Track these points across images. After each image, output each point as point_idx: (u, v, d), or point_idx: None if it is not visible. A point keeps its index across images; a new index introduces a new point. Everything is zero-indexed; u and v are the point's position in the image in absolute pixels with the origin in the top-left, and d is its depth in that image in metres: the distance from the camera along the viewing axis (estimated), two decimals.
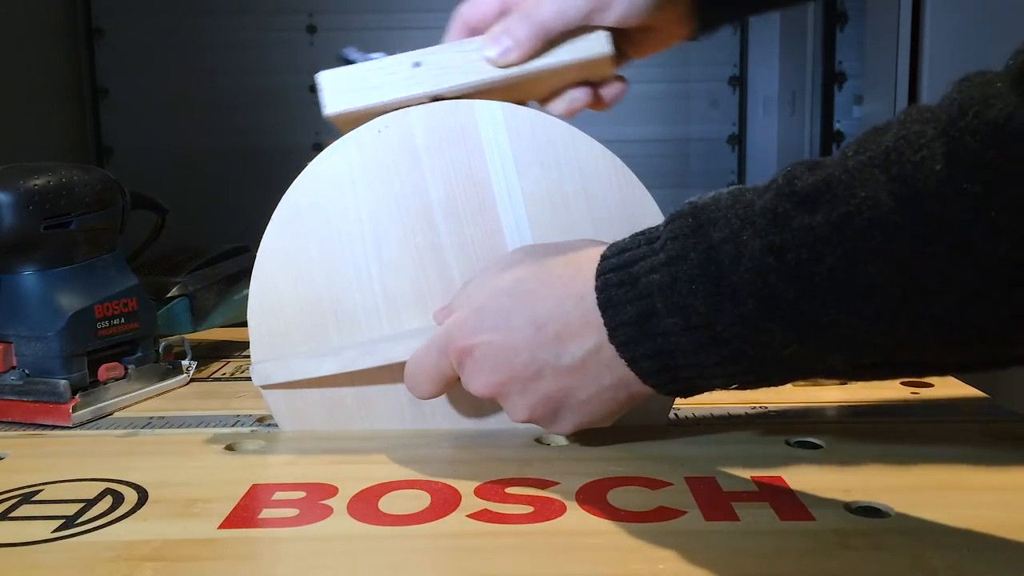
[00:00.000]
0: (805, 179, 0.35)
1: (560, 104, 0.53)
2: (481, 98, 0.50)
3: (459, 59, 0.49)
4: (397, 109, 0.50)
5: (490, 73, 0.49)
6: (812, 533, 0.37)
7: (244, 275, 0.81)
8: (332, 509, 0.40)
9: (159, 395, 0.61)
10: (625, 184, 0.49)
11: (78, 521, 0.40)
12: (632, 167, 0.50)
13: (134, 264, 0.70)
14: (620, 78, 0.54)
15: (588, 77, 0.53)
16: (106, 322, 0.57)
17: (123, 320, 0.59)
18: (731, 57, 2.66)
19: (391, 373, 0.49)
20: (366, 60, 0.50)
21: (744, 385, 0.40)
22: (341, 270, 0.50)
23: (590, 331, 0.41)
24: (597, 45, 0.49)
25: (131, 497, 0.42)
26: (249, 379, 0.52)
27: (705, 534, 0.37)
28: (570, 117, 0.53)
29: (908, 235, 0.32)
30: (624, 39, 0.52)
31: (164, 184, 1.19)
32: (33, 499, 0.43)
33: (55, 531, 0.39)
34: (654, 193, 0.50)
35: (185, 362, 0.64)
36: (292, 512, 0.40)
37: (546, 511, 0.40)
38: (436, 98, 0.50)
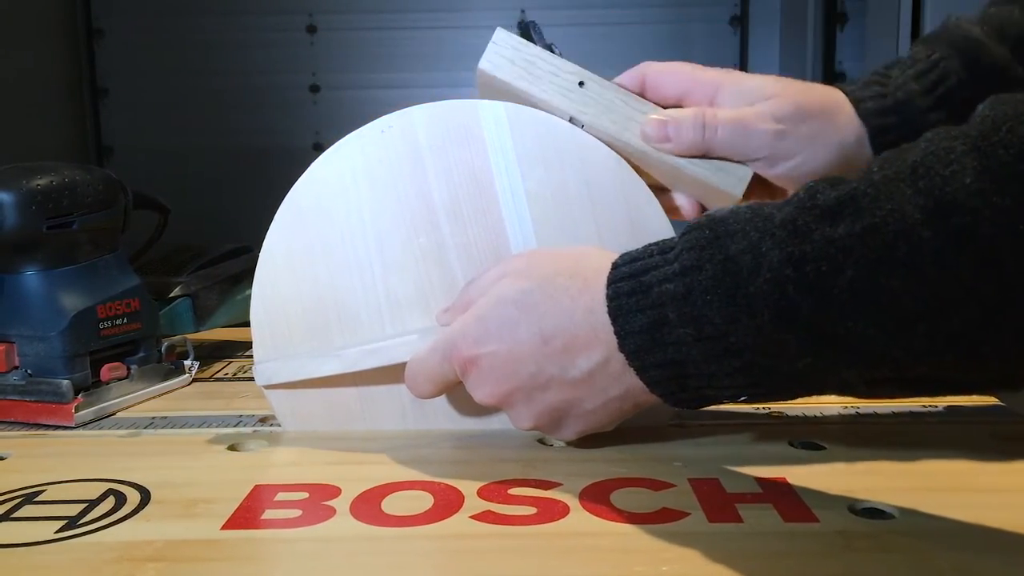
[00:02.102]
0: (827, 194, 0.35)
1: (668, 202, 0.52)
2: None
3: (619, 107, 0.49)
4: (533, 106, 0.49)
5: (634, 141, 0.49)
6: (816, 535, 0.37)
7: (246, 275, 0.81)
8: (335, 510, 0.40)
9: (161, 395, 0.61)
10: (628, 184, 0.49)
11: (81, 522, 0.40)
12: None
13: (136, 264, 0.70)
14: None
15: (707, 196, 0.52)
16: (108, 322, 0.57)
17: (125, 320, 0.59)
18: (731, 57, 2.66)
19: (394, 374, 0.49)
20: (544, 44, 0.50)
21: (753, 398, 0.40)
22: (344, 270, 0.50)
23: (598, 344, 0.41)
24: (735, 183, 0.49)
25: (133, 497, 0.42)
26: (251, 379, 0.52)
27: (708, 535, 0.37)
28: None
29: (933, 248, 0.32)
30: (763, 186, 0.51)
31: (165, 184, 1.18)
32: (36, 499, 0.42)
33: (58, 532, 0.39)
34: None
35: (187, 362, 0.64)
36: (295, 513, 0.40)
37: (549, 512, 0.40)
38: (573, 120, 0.49)
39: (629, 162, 0.49)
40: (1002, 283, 0.31)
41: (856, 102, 0.49)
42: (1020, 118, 0.31)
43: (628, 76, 0.51)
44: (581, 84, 0.49)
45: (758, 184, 0.50)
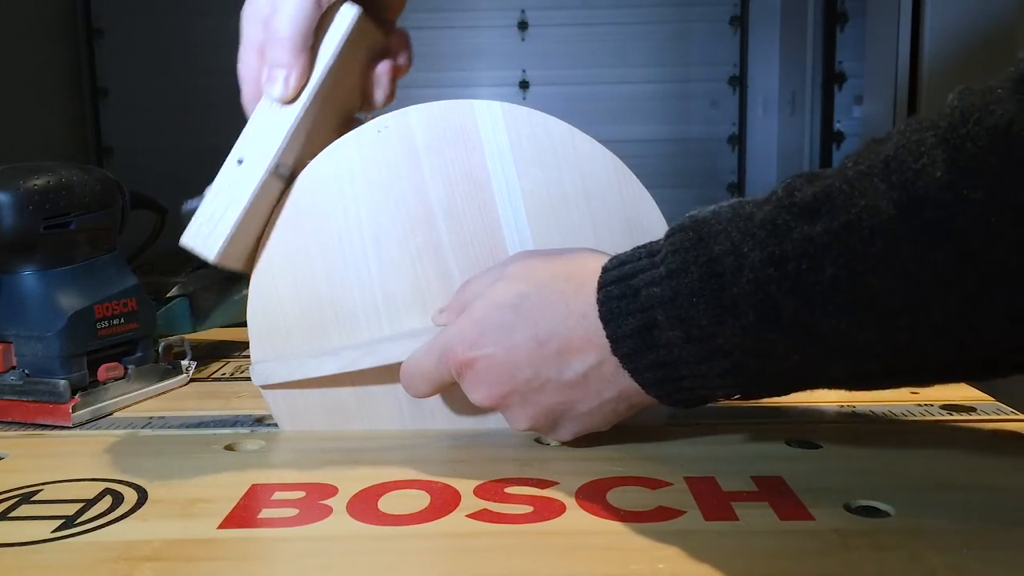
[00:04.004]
0: (805, 191, 0.35)
1: (379, 92, 0.54)
2: (310, 137, 0.49)
3: (263, 125, 0.48)
4: (256, 212, 0.49)
5: (297, 111, 0.48)
6: (812, 533, 0.37)
7: (244, 275, 0.81)
8: (332, 509, 0.40)
9: (159, 395, 0.61)
10: (625, 184, 0.49)
11: (78, 521, 0.40)
12: (632, 167, 0.50)
13: (134, 264, 0.70)
14: (399, 32, 0.55)
15: (374, 52, 0.53)
16: (106, 322, 0.57)
17: (123, 320, 0.59)
18: (731, 57, 2.67)
19: (391, 373, 0.49)
20: (203, 199, 0.49)
21: (747, 396, 0.40)
22: (341, 270, 0.50)
23: (592, 348, 0.42)
24: (345, 15, 0.49)
25: (131, 497, 0.42)
26: (249, 379, 0.52)
27: (705, 534, 0.37)
28: (391, 95, 0.54)
29: (909, 243, 0.32)
30: (371, 5, 0.51)
31: (164, 184, 1.18)
32: (33, 499, 0.42)
33: (55, 531, 0.39)
34: (654, 193, 0.50)
35: (185, 362, 0.64)
36: (292, 512, 0.40)
37: (546, 511, 0.40)
38: (279, 171, 0.49)
39: (332, 119, 0.50)
40: (981, 275, 0.31)
41: None
42: (988, 109, 0.30)
43: (246, 97, 0.51)
44: (240, 161, 0.48)
45: (377, 8, 0.51)
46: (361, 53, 0.52)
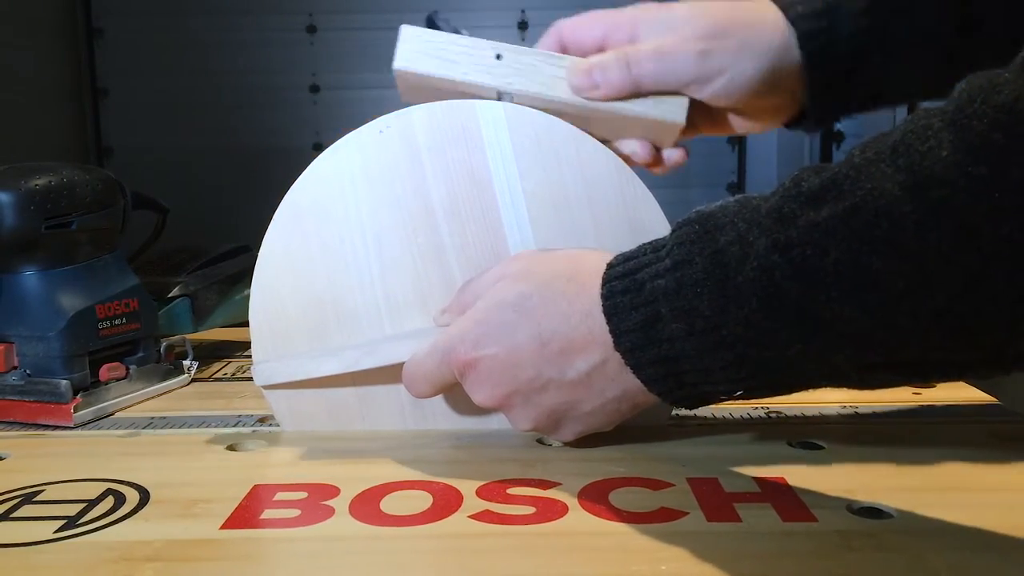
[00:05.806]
0: (812, 180, 0.35)
1: (619, 151, 0.52)
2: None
3: (542, 68, 0.49)
4: (459, 92, 0.49)
5: (564, 96, 0.49)
6: (814, 534, 0.37)
7: (245, 275, 0.81)
8: (334, 510, 0.40)
9: (160, 395, 0.61)
10: (627, 185, 0.49)
11: (80, 521, 0.40)
12: (632, 167, 0.50)
13: (135, 264, 0.70)
14: (683, 148, 0.53)
15: (653, 136, 0.52)
16: (107, 322, 0.57)
17: (124, 320, 0.59)
18: None
19: (393, 373, 0.49)
20: (450, 29, 0.49)
21: (749, 392, 0.40)
22: (342, 270, 0.50)
23: (595, 346, 0.42)
24: (674, 111, 0.49)
25: (133, 497, 0.42)
26: (250, 379, 0.52)
27: (707, 535, 0.37)
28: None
29: (913, 222, 0.32)
30: (706, 114, 0.51)
31: (164, 184, 1.19)
32: (35, 499, 0.42)
33: (57, 531, 0.39)
34: (654, 193, 0.50)
35: (186, 362, 0.64)
36: (294, 512, 0.40)
37: (548, 512, 0.40)
38: (502, 96, 0.49)
39: (566, 118, 0.49)
40: (982, 253, 0.31)
41: (785, 7, 0.49)
42: (994, 89, 0.31)
43: (545, 41, 0.51)
44: (499, 56, 0.48)
45: (700, 111, 0.50)
46: (647, 130, 0.51)
